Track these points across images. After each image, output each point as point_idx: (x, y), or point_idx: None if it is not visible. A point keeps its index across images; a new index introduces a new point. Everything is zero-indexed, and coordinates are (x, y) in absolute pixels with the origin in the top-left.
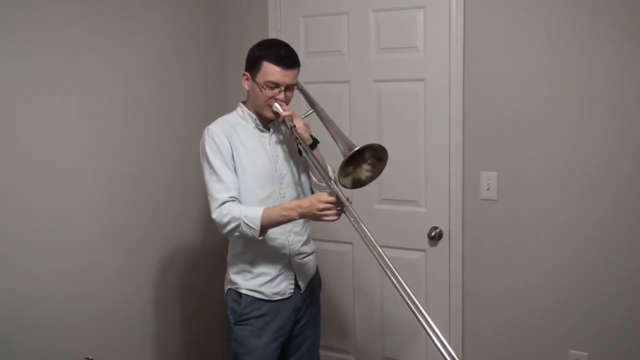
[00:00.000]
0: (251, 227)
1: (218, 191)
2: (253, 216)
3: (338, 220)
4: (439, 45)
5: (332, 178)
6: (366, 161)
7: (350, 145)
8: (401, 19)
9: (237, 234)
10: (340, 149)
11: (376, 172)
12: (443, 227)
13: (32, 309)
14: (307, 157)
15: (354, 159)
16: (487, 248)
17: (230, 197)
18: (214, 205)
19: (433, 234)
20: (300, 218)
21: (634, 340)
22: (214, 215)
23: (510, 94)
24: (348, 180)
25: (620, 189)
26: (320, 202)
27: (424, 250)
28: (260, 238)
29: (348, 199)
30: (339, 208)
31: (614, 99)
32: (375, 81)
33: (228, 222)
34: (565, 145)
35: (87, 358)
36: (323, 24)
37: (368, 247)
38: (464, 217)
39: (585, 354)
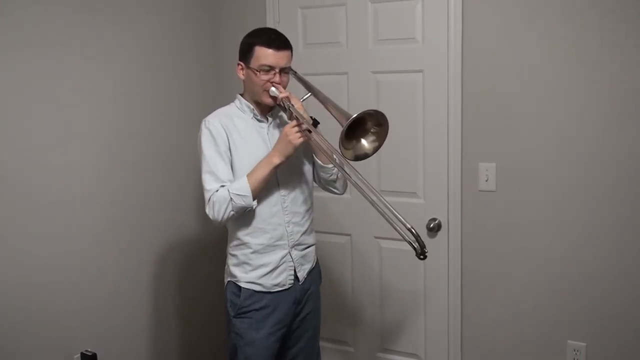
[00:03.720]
0: (242, 195)
1: (210, 182)
2: (240, 186)
3: (335, 212)
4: (437, 37)
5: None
6: (368, 132)
7: (347, 117)
8: (399, 9)
9: (232, 212)
10: (340, 123)
11: (382, 139)
12: (442, 218)
13: (30, 302)
14: (308, 137)
15: (355, 132)
16: (485, 239)
17: (221, 187)
18: (206, 198)
19: (432, 225)
20: (282, 159)
21: (632, 330)
22: (206, 211)
23: (509, 85)
24: (350, 154)
25: (619, 180)
26: (287, 128)
27: None
28: (255, 202)
29: (312, 121)
30: (303, 128)
31: (613, 90)
32: (374, 72)
33: (219, 208)
34: (564, 137)
35: (86, 350)
36: (321, 15)
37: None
38: (462, 209)
39: (584, 344)
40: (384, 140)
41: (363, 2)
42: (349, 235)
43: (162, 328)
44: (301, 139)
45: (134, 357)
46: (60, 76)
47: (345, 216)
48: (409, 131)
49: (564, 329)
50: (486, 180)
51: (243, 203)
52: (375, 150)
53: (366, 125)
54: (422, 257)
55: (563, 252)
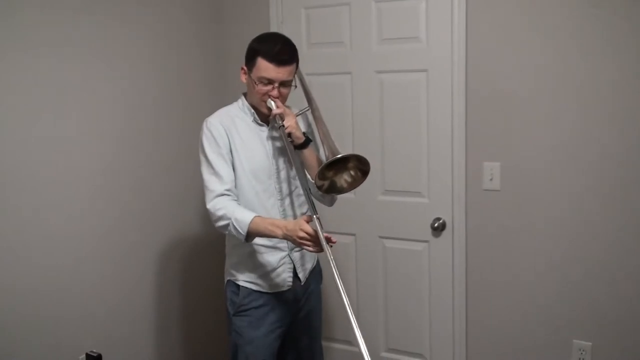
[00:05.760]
0: (239, 231)
1: (213, 183)
2: (242, 221)
3: (339, 212)
4: (441, 36)
5: (313, 180)
6: (348, 170)
7: (334, 151)
8: (403, 9)
9: (226, 231)
10: (325, 153)
11: (354, 185)
12: (446, 217)
13: (33, 304)
14: (296, 157)
15: (336, 165)
16: (490, 238)
17: (226, 190)
18: (209, 196)
19: (436, 224)
20: (282, 238)
21: (638, 330)
22: (208, 206)
23: (513, 84)
24: (326, 183)
25: (624, 179)
26: (302, 231)
27: (427, 241)
28: (247, 243)
29: (329, 240)
30: (318, 244)
31: (616, 89)
32: (377, 72)
33: (220, 218)
34: (568, 135)
35: (91, 351)
36: (325, 15)
37: (339, 290)
38: (467, 208)
39: (589, 343)
40: (355, 187)
41: (367, 1)
42: (353, 235)
43: (166, 328)
44: (310, 250)
45: (139, 357)
46: (64, 76)
47: (350, 216)
48: (413, 130)
49: (569, 329)
50: (490, 180)
51: (235, 234)
52: (346, 190)
53: (348, 164)
54: None
55: (568, 250)
